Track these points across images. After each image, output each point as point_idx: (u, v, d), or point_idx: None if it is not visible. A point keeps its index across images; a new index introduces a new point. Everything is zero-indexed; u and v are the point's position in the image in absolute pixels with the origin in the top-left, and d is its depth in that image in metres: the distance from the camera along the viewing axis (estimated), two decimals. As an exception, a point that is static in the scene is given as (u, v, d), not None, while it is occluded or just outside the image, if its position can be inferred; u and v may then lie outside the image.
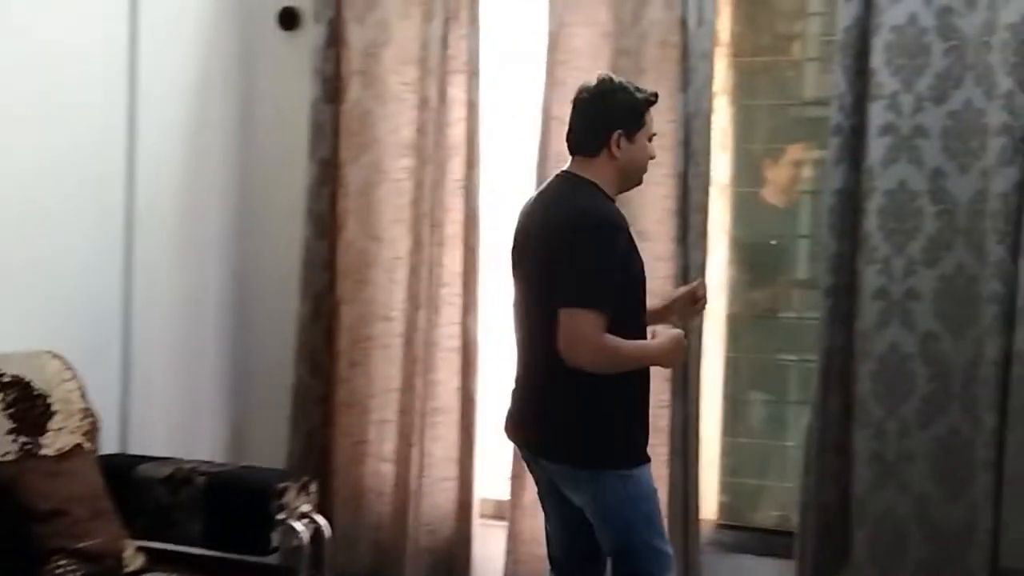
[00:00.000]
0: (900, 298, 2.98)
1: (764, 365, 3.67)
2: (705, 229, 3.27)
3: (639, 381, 2.58)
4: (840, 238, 3.08)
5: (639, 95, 2.57)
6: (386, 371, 3.65)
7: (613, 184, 2.59)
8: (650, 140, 2.61)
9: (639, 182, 2.66)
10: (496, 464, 3.57)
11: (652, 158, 2.63)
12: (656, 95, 2.62)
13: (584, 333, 2.42)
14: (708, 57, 3.26)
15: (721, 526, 3.52)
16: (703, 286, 2.77)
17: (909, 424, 2.97)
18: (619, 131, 2.54)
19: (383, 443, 3.66)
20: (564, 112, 3.22)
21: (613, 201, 2.59)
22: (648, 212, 3.30)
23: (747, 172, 3.59)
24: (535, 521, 3.29)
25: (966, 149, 2.94)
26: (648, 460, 2.60)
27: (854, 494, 3.06)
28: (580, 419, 2.52)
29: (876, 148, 2.98)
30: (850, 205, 3.05)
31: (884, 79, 2.97)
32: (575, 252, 2.46)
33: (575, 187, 2.58)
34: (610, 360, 2.47)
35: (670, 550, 2.59)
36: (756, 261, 3.68)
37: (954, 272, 2.94)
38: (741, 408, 3.67)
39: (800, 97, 3.68)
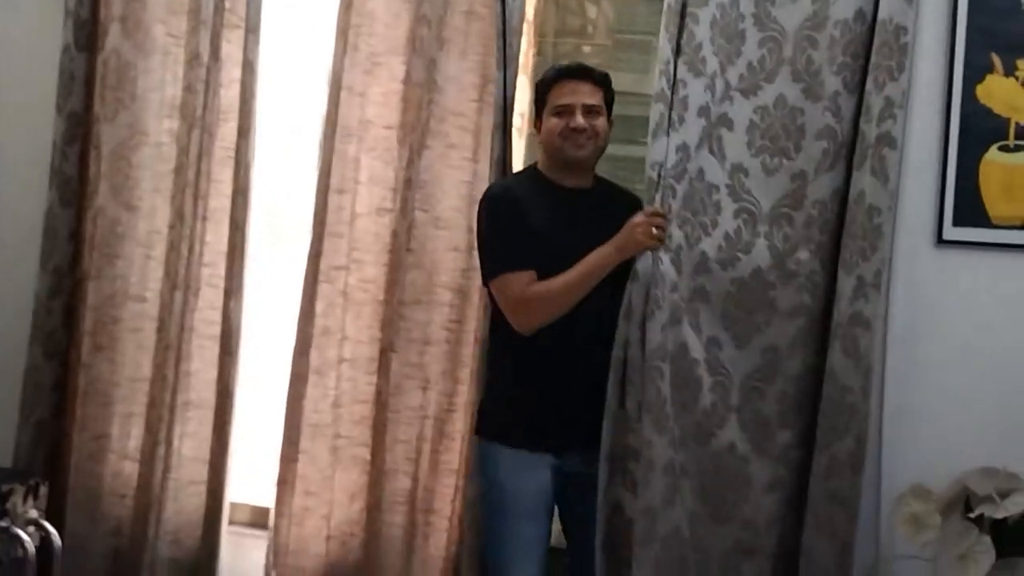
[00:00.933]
0: (688, 296, 2.78)
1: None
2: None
3: (543, 367, 2.69)
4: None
5: (545, 74, 2.80)
6: (135, 358, 3.38)
7: (547, 163, 2.81)
8: (557, 115, 2.72)
9: (568, 156, 2.75)
10: (257, 467, 3.38)
11: (566, 129, 2.71)
12: (560, 70, 2.79)
13: (509, 296, 2.67)
14: (518, 33, 3.08)
15: None
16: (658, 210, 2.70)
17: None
18: (537, 115, 2.80)
19: (127, 439, 3.38)
20: (356, 81, 3.16)
21: (542, 177, 2.81)
22: (446, 197, 3.15)
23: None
24: (302, 530, 3.19)
25: (776, 148, 2.80)
26: (511, 445, 2.71)
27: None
28: (485, 392, 2.89)
29: (692, 128, 2.78)
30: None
31: (707, 55, 2.78)
32: (477, 233, 2.81)
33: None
34: (547, 299, 2.64)
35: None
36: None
37: (750, 277, 2.79)
38: None
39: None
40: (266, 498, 3.29)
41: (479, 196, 2.92)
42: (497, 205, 2.75)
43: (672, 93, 2.73)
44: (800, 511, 2.76)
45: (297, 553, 3.22)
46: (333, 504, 3.21)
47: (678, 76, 2.74)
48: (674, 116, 2.73)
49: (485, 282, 2.76)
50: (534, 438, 2.72)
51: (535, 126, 2.82)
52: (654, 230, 2.66)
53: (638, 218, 2.68)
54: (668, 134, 2.72)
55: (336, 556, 3.21)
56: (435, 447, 3.14)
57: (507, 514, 2.74)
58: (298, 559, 3.22)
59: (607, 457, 2.67)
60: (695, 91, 2.76)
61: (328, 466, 3.21)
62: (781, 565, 2.80)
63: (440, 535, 3.14)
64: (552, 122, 2.73)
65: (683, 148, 2.74)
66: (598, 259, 2.66)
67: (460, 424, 3.11)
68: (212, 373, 3.33)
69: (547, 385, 2.70)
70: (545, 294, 2.64)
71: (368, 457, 3.19)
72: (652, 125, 2.74)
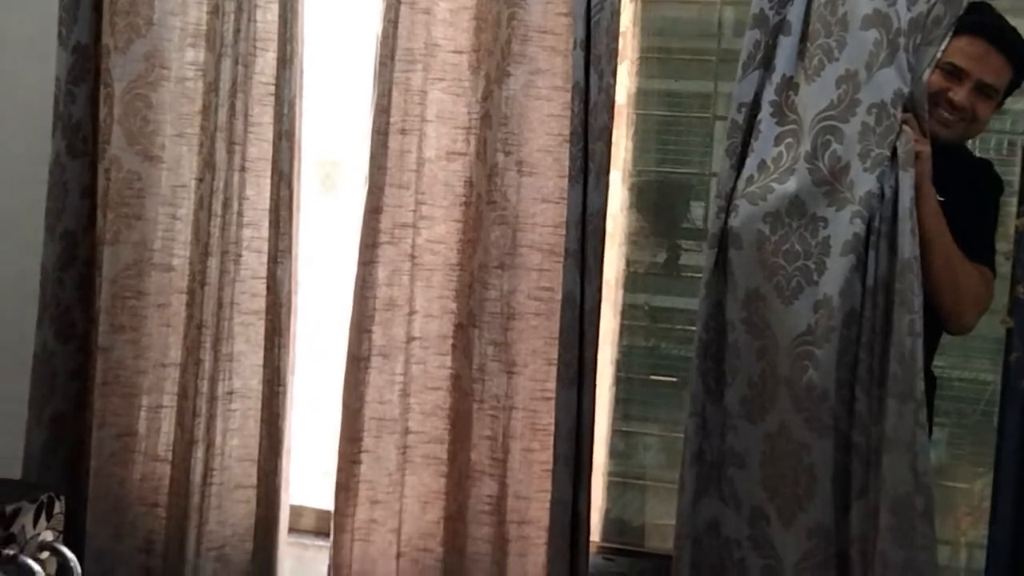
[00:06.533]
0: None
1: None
2: (608, 162, 2.98)
3: None
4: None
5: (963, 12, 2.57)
6: (162, 339, 3.32)
7: None
8: (942, 71, 2.58)
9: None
10: (322, 466, 3.34)
11: (942, 96, 2.60)
12: (982, 24, 2.58)
13: (987, 292, 2.66)
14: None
15: (606, 550, 3.35)
16: None
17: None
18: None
19: (156, 436, 3.33)
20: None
21: None
22: (533, 136, 3.01)
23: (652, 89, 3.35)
24: (367, 547, 3.15)
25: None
26: None
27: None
28: None
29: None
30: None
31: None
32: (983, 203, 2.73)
33: None
34: None
35: None
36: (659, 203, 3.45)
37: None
38: (636, 394, 3.46)
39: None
40: (332, 500, 3.23)
41: (570, 132, 2.81)
42: None
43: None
44: None
45: (362, 574, 3.16)
46: (404, 514, 3.15)
47: None
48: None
49: (979, 262, 2.61)
50: None
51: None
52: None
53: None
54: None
55: None
56: (526, 444, 3.04)
57: None
58: None
59: None
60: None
61: (397, 468, 3.14)
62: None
63: (538, 550, 3.05)
64: (928, 76, 2.54)
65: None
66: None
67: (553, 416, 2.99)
68: (258, 356, 3.27)
69: None
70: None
71: (445, 457, 3.12)
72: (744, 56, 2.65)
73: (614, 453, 3.39)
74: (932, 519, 2.50)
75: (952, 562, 3.18)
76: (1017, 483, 2.89)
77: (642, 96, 3.35)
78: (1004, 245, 2.78)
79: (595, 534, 3.26)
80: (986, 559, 2.96)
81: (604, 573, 3.22)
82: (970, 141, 2.76)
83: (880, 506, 2.50)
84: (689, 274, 3.35)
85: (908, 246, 2.46)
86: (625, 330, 3.38)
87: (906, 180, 2.47)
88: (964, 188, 2.60)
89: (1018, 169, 2.92)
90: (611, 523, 3.39)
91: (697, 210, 3.44)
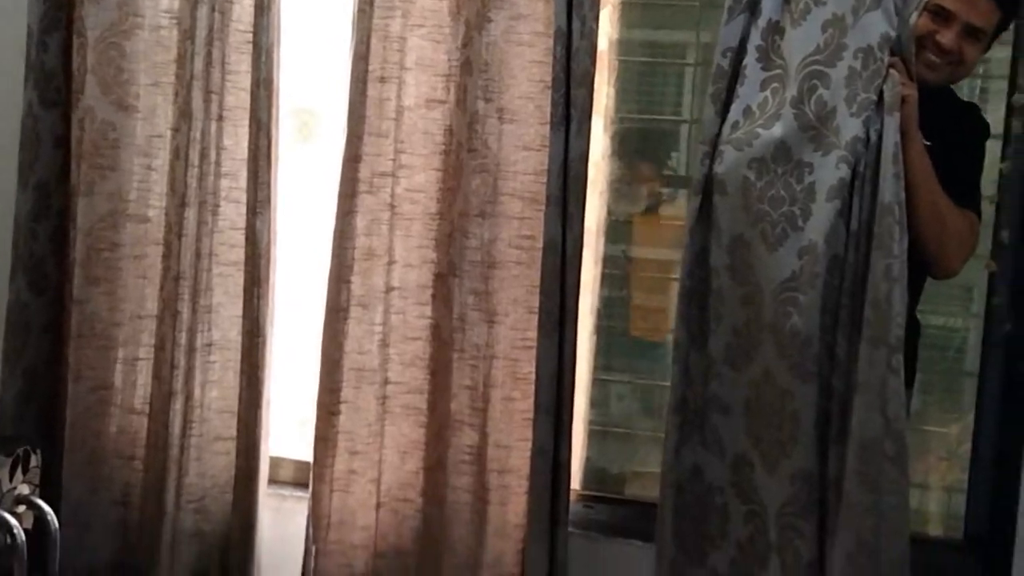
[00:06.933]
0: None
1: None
2: (590, 108, 2.95)
3: None
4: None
5: None
6: (138, 291, 3.28)
7: None
8: (929, 12, 2.54)
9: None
10: (302, 416, 3.33)
11: (929, 39, 2.56)
12: None
13: (973, 236, 2.61)
14: None
15: (587, 498, 3.33)
16: None
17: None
18: None
19: (132, 389, 3.31)
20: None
21: None
22: (515, 83, 2.97)
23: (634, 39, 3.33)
24: (347, 498, 3.13)
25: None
26: None
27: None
28: None
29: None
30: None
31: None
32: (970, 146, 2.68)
33: None
34: None
35: None
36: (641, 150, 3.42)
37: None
38: (616, 344, 3.43)
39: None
40: (311, 451, 3.21)
41: (552, 79, 2.79)
42: None
43: None
44: None
45: (341, 525, 3.14)
46: (383, 465, 3.13)
47: None
48: None
49: (965, 207, 2.56)
50: None
51: None
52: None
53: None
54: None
55: (389, 528, 3.14)
56: (507, 393, 3.03)
57: None
58: (343, 532, 3.14)
59: None
60: None
61: (376, 419, 3.11)
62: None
63: (519, 499, 3.03)
64: (915, 19, 2.51)
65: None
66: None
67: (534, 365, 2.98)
68: (237, 308, 3.24)
69: None
70: None
71: (424, 407, 3.11)
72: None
73: (595, 402, 3.38)
74: (904, 465, 2.48)
75: (928, 506, 3.20)
76: (998, 427, 2.91)
77: (624, 45, 3.31)
78: (989, 189, 2.77)
79: (576, 482, 3.24)
80: (966, 503, 2.99)
81: (585, 521, 3.20)
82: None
83: (848, 450, 2.51)
84: (670, 223, 3.34)
85: (890, 190, 2.45)
86: (606, 279, 3.36)
87: (891, 124, 2.45)
88: (950, 132, 2.57)
89: (1001, 115, 2.91)
90: (592, 471, 3.37)
91: (677, 159, 3.42)
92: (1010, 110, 2.90)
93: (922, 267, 2.57)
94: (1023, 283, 2.87)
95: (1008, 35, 2.67)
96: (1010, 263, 2.91)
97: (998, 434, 2.93)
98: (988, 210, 2.75)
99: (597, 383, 3.38)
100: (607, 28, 3.23)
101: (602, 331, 3.36)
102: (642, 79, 3.37)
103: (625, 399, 3.44)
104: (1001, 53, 2.91)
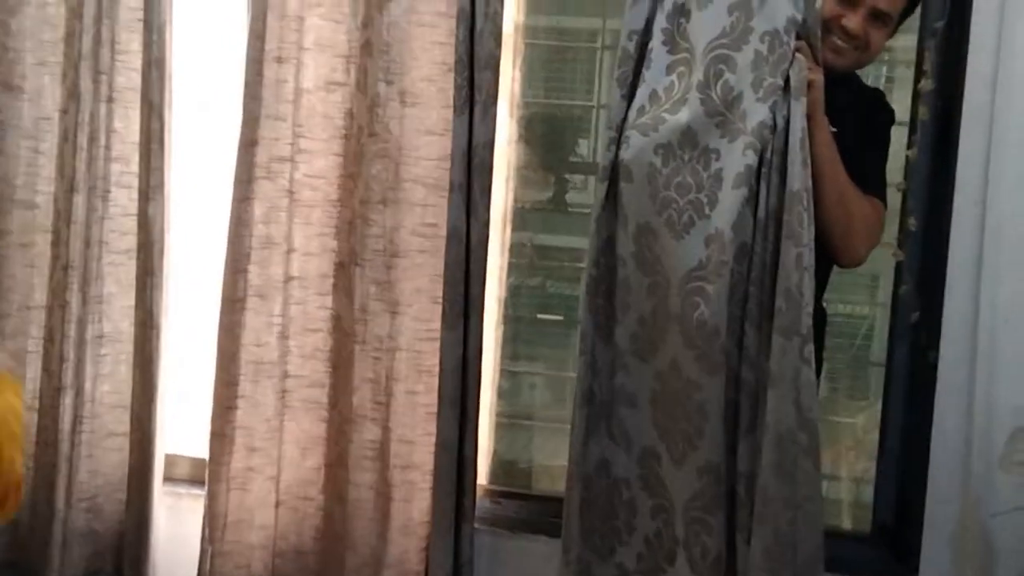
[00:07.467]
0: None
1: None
2: (495, 92, 2.91)
3: None
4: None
5: None
6: (26, 280, 3.20)
7: None
8: None
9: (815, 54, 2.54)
10: (197, 412, 3.23)
11: (835, 23, 2.52)
12: None
13: (880, 222, 2.57)
14: None
15: (494, 493, 3.29)
16: None
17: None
18: None
19: (22, 383, 3.21)
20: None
21: None
22: (416, 64, 2.91)
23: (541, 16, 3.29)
24: (245, 496, 3.07)
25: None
26: None
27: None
28: None
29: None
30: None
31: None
32: (878, 135, 2.65)
33: None
34: None
35: None
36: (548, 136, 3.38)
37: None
38: (523, 332, 3.41)
39: None
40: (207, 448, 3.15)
41: (455, 61, 2.74)
42: None
43: None
44: None
45: (239, 525, 3.08)
46: (283, 461, 3.08)
47: None
48: None
49: (871, 194, 2.53)
50: None
51: None
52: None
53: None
54: None
55: (289, 526, 3.09)
56: (410, 386, 2.97)
57: None
58: (240, 532, 3.08)
59: None
60: None
61: (275, 414, 3.06)
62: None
63: (423, 496, 2.99)
64: (821, 2, 2.47)
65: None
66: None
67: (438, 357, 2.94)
68: (129, 298, 3.18)
69: None
70: None
71: (325, 401, 3.06)
72: None
73: (502, 393, 3.34)
74: (816, 456, 2.46)
75: (835, 495, 3.19)
76: (904, 417, 2.91)
77: (530, 29, 3.27)
78: (895, 176, 2.76)
79: (482, 477, 3.21)
80: (874, 493, 2.98)
81: (492, 517, 3.17)
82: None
83: (763, 442, 2.47)
84: (577, 210, 3.30)
85: (798, 177, 2.40)
86: (513, 268, 3.31)
87: (798, 110, 2.40)
88: (857, 118, 2.55)
89: (907, 103, 2.90)
90: (499, 465, 3.34)
91: (585, 145, 3.38)
92: (916, 96, 2.89)
93: (828, 255, 2.54)
94: (929, 272, 2.86)
95: (914, 21, 2.65)
96: (917, 251, 2.90)
97: (905, 424, 2.92)
98: (895, 197, 2.74)
99: (505, 374, 3.34)
100: (513, 11, 3.19)
101: (509, 320, 3.32)
102: (550, 63, 3.34)
103: (535, 389, 3.41)
104: (907, 40, 2.91)
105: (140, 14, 3.06)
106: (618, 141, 2.59)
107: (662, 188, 2.52)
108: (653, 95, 2.56)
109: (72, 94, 3.10)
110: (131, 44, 3.09)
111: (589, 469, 2.71)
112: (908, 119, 2.87)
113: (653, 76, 2.56)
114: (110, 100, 3.10)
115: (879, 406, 2.99)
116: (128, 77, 3.10)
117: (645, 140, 2.53)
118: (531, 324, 3.39)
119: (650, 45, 2.57)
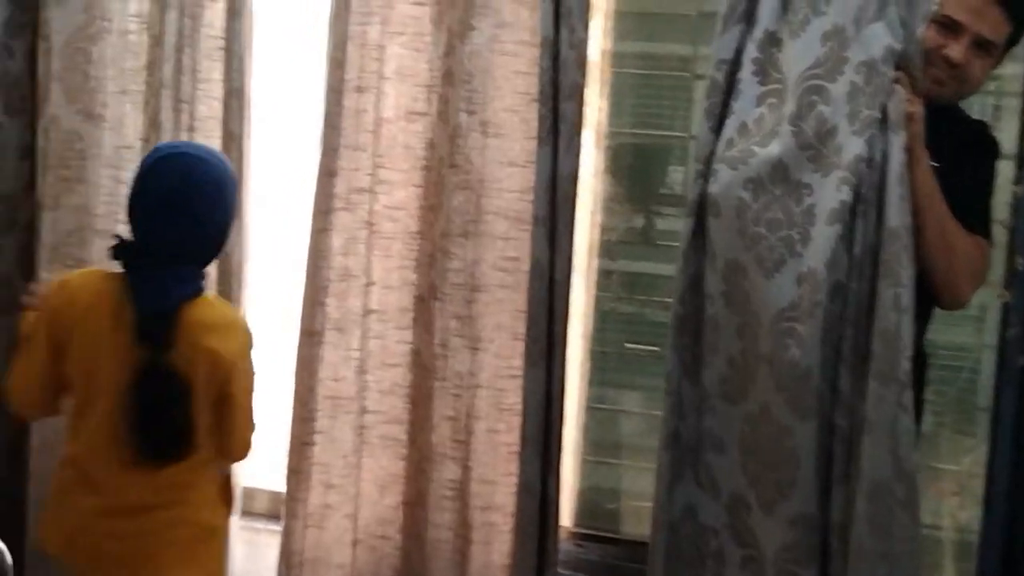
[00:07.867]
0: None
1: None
2: (579, 122, 2.87)
3: None
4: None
5: None
6: None
7: None
8: (937, 24, 2.46)
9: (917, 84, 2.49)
10: (275, 445, 3.18)
11: (936, 53, 2.46)
12: None
13: (985, 263, 2.55)
14: None
15: (578, 536, 3.26)
16: None
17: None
18: None
19: None
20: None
21: None
22: (499, 94, 2.88)
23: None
24: (321, 534, 3.04)
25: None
26: None
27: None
28: None
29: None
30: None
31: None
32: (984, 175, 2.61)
33: None
34: None
35: None
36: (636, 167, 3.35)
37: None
38: (612, 366, 3.36)
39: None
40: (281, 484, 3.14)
41: (538, 91, 2.71)
42: None
43: None
44: None
45: (315, 563, 3.06)
46: (360, 499, 3.04)
47: None
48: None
49: (975, 232, 2.46)
50: None
51: None
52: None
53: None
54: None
55: (366, 565, 3.05)
56: (491, 425, 2.93)
57: None
58: (317, 570, 3.05)
59: None
60: None
61: (353, 451, 3.03)
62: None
63: (503, 538, 2.94)
64: (923, 30, 2.42)
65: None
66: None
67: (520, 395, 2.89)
68: None
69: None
70: None
71: (404, 438, 3.02)
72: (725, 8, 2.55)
73: (588, 431, 3.28)
74: (915, 509, 2.37)
75: (936, 545, 3.08)
76: (1012, 468, 2.77)
77: (617, 57, 3.22)
78: (1001, 213, 2.66)
79: (566, 518, 3.16)
80: (979, 548, 2.85)
81: (575, 561, 3.12)
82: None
83: (857, 493, 2.39)
84: (666, 242, 3.23)
85: (897, 214, 2.33)
86: (600, 299, 3.27)
87: (896, 143, 2.33)
88: (959, 152, 2.46)
89: (1015, 133, 2.78)
90: (584, 506, 3.29)
91: (675, 175, 3.32)
92: (1024, 129, 2.78)
93: (929, 296, 2.44)
94: (1039, 313, 2.73)
95: (1021, 49, 2.54)
96: (1024, 292, 2.78)
97: (1012, 476, 2.79)
98: (1001, 235, 2.63)
99: (591, 411, 3.29)
100: (599, 38, 3.16)
101: (596, 355, 3.26)
102: (638, 92, 3.29)
103: (623, 427, 3.35)
104: (1015, 68, 2.81)
105: (221, 43, 3.06)
106: (706, 174, 2.53)
107: (751, 224, 2.45)
108: (742, 127, 2.50)
109: (153, 123, 3.10)
110: (212, 73, 3.09)
111: (675, 515, 2.65)
112: (1015, 152, 2.75)
113: (743, 107, 2.51)
114: (191, 129, 3.10)
115: (984, 449, 2.87)
116: (209, 106, 3.10)
117: (734, 174, 2.47)
118: (620, 356, 3.34)
119: (740, 75, 2.52)
